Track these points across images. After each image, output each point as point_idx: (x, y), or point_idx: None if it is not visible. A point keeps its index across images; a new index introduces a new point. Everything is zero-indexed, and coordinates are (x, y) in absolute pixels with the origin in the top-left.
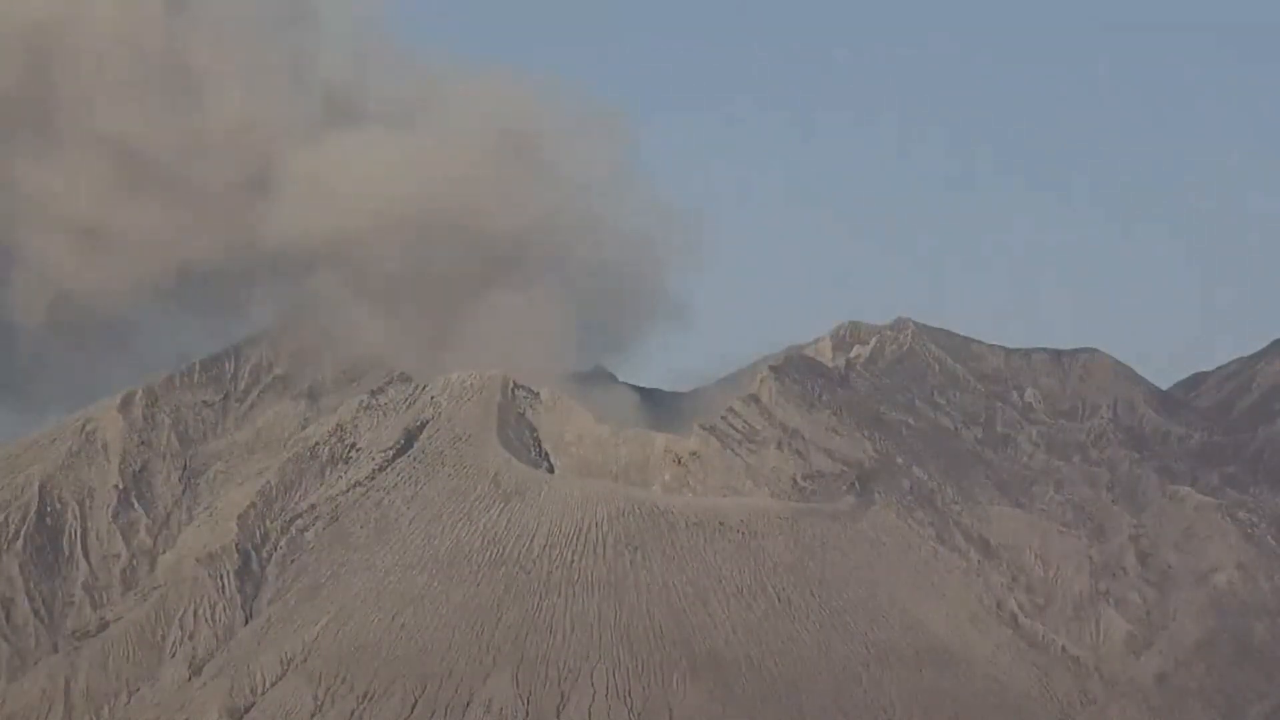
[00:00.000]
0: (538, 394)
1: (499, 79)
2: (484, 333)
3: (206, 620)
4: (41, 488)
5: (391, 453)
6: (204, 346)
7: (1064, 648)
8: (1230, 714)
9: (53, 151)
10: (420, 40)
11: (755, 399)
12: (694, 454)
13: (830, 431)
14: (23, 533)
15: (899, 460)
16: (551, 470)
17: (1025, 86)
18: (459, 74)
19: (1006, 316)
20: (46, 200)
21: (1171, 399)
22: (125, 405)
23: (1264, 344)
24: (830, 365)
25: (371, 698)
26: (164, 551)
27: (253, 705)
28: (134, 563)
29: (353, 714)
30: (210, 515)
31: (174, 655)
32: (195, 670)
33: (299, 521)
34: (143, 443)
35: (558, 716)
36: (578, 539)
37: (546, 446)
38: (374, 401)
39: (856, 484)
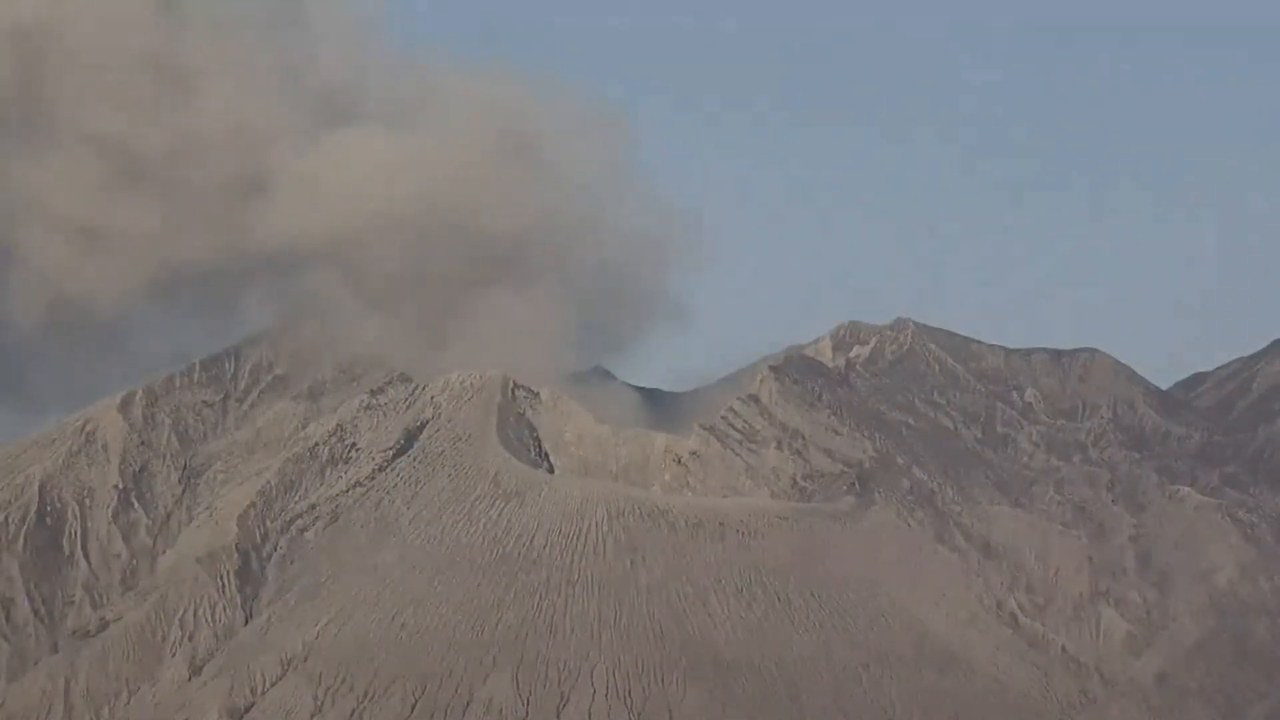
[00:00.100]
0: (538, 394)
1: (498, 79)
2: (484, 333)
3: (206, 620)
4: (41, 488)
5: (391, 453)
6: (204, 346)
7: (1064, 648)
8: (1230, 714)
9: (51, 151)
10: (418, 40)
11: (755, 399)
12: (694, 454)
13: (830, 431)
14: (23, 533)
15: (899, 460)
16: (551, 470)
17: (1025, 86)
18: (458, 74)
19: (1006, 316)
20: (45, 200)
21: (1171, 399)
22: (125, 405)
23: (1264, 344)
24: (830, 365)
25: (371, 698)
26: (164, 551)
27: (253, 705)
28: (134, 563)
29: (353, 714)
30: (210, 515)
31: (174, 655)
32: (195, 670)
33: (299, 521)
34: (143, 443)
35: (558, 716)
36: (578, 539)
37: (546, 446)
38: (374, 401)
39: (856, 484)
